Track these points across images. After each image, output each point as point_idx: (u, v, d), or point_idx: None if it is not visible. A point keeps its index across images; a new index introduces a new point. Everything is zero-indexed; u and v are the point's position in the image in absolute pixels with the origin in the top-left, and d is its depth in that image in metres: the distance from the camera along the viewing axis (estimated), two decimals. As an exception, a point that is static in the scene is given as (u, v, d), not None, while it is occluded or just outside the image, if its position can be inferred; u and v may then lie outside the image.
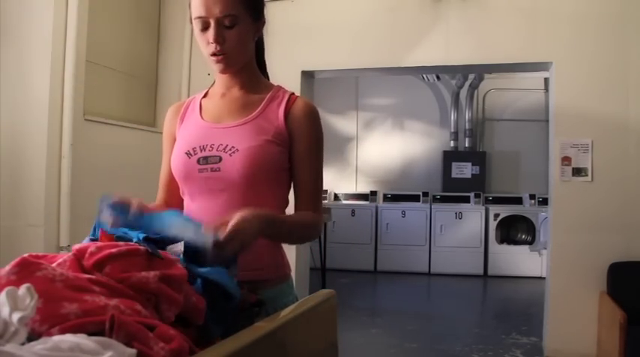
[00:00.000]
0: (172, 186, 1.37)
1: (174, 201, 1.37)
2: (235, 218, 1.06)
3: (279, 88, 1.39)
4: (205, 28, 1.25)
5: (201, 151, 1.27)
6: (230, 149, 1.26)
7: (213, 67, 1.30)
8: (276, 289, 1.30)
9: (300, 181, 1.32)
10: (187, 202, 1.33)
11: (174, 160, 1.31)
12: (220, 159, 1.25)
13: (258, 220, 1.11)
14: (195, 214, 1.24)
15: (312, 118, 1.33)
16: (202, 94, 1.41)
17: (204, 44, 1.27)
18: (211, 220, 1.06)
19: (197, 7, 1.24)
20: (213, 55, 1.26)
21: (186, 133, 1.34)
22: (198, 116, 1.35)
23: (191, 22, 1.28)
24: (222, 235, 1.01)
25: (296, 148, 1.31)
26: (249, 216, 1.08)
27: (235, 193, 1.26)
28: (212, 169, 1.25)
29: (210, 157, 1.26)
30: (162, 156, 1.41)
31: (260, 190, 1.28)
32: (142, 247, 0.79)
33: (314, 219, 1.32)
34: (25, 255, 0.67)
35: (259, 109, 1.32)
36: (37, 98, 3.17)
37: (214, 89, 1.40)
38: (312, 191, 1.33)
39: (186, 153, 1.28)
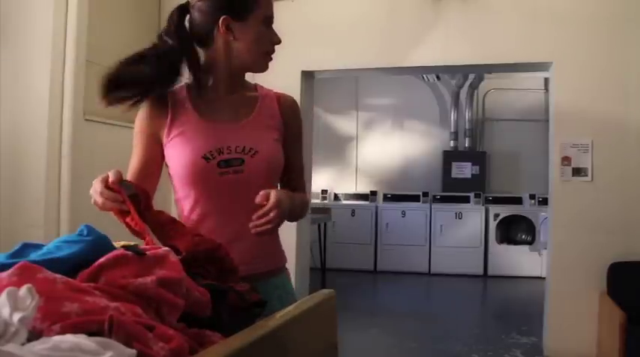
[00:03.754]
0: (146, 182, 1.32)
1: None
2: (274, 196, 1.18)
3: (260, 86, 1.46)
4: (269, 26, 1.34)
5: (219, 154, 1.29)
6: (250, 151, 1.31)
7: (261, 65, 1.36)
8: (274, 279, 1.37)
9: (292, 166, 1.43)
10: (197, 204, 1.33)
11: (188, 164, 1.29)
12: (243, 161, 1.30)
13: (288, 198, 1.25)
14: (213, 216, 1.32)
15: (298, 111, 1.48)
16: (184, 91, 1.37)
17: (267, 42, 1.34)
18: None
19: (269, 6, 1.33)
20: (270, 54, 1.36)
21: (192, 135, 1.31)
22: (197, 117, 1.34)
23: (236, 18, 1.30)
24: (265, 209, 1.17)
25: (288, 137, 1.42)
26: (283, 195, 1.22)
27: (254, 193, 1.27)
28: (235, 171, 1.30)
29: (231, 159, 1.30)
30: (134, 150, 1.37)
31: (271, 186, 1.34)
32: (128, 252, 0.78)
33: (306, 199, 1.48)
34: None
35: (257, 107, 1.39)
36: (37, 98, 3.17)
37: (207, 88, 1.37)
38: (301, 173, 1.48)
39: (203, 157, 1.29)
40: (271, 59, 1.37)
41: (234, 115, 1.36)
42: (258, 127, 1.36)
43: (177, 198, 1.37)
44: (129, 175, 1.35)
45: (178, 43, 1.31)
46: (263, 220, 1.16)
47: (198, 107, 1.35)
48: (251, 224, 1.17)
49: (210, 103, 1.36)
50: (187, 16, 1.35)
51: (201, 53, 1.38)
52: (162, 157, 1.35)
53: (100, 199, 1.09)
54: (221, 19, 1.29)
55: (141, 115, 1.36)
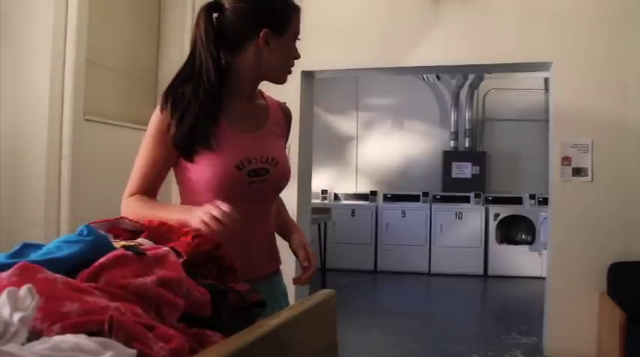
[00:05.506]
0: (155, 183, 1.35)
1: (152, 196, 1.35)
2: (312, 255, 1.41)
3: (264, 93, 1.49)
4: (295, 42, 1.40)
5: (248, 163, 1.33)
6: (272, 161, 1.37)
7: (284, 79, 1.41)
8: (276, 277, 1.46)
9: None
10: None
11: (221, 173, 1.30)
12: (267, 171, 1.35)
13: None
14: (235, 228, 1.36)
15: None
16: None
17: (291, 58, 1.39)
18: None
19: (299, 23, 1.39)
20: (291, 67, 1.41)
21: (222, 145, 1.31)
22: (224, 126, 1.33)
23: (275, 33, 1.34)
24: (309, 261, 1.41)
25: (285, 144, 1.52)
26: (310, 244, 1.45)
27: (269, 201, 1.42)
28: (261, 181, 1.35)
29: (258, 169, 1.34)
30: (146, 149, 1.33)
31: (278, 194, 1.47)
32: (128, 252, 0.78)
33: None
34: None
35: (270, 117, 1.44)
36: (37, 98, 3.17)
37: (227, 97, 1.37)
38: None
39: (236, 167, 1.31)
40: (291, 73, 1.43)
41: (254, 124, 1.40)
42: (274, 137, 1.42)
43: (195, 201, 1.34)
44: (137, 176, 1.34)
45: (211, 54, 1.30)
46: (306, 278, 1.39)
47: (224, 116, 1.34)
48: (295, 279, 1.40)
49: (232, 112, 1.36)
50: (215, 15, 1.33)
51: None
52: (174, 161, 1.35)
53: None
54: (263, 31, 1.31)
55: (162, 118, 1.31)
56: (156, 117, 1.33)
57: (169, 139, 1.29)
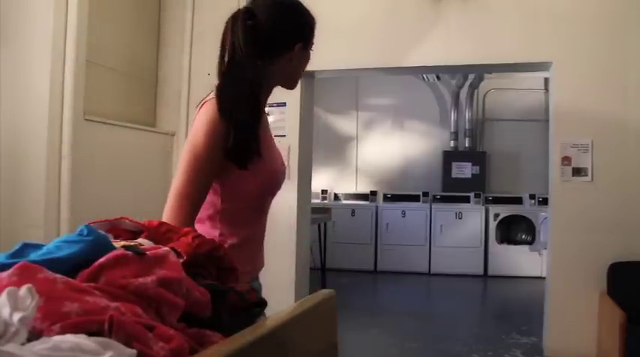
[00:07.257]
0: (202, 204, 1.33)
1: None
2: None
3: None
4: None
5: (282, 164, 1.46)
6: (283, 163, 1.48)
7: (295, 84, 1.45)
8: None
9: None
10: (263, 212, 1.43)
11: (276, 174, 1.41)
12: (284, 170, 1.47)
13: None
14: (265, 219, 1.44)
15: None
16: None
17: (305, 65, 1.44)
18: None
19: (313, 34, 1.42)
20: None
21: (268, 146, 1.39)
22: (262, 128, 1.38)
23: (305, 45, 1.39)
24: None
25: None
26: None
27: None
28: (282, 178, 1.46)
29: (284, 169, 1.47)
30: (201, 170, 1.29)
31: None
32: (128, 252, 0.78)
33: None
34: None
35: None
36: (37, 98, 3.17)
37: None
38: None
39: (282, 164, 1.45)
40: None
41: (268, 127, 1.47)
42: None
43: (236, 208, 1.36)
44: (200, 193, 1.30)
45: (251, 61, 1.30)
46: None
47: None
48: None
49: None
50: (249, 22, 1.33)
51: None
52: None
53: None
54: (298, 45, 1.36)
55: (221, 125, 1.28)
56: (214, 122, 1.29)
57: (228, 146, 1.27)
